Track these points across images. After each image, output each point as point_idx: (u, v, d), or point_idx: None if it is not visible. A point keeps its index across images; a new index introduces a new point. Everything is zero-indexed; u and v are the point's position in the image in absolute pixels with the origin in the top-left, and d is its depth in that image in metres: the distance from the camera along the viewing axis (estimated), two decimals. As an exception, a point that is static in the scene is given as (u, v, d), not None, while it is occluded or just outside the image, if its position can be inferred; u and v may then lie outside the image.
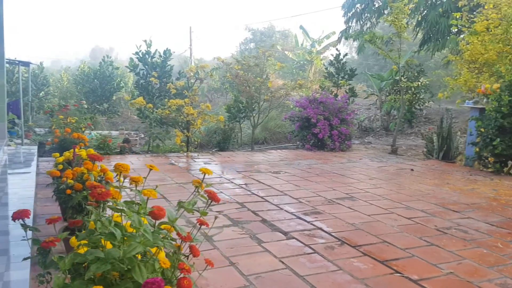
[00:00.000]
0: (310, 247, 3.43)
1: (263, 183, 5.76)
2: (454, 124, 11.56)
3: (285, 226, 3.95)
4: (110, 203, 1.70)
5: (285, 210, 4.48)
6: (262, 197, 5.00)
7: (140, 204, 1.73)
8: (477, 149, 7.17)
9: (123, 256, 1.45)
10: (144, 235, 1.50)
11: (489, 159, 7.03)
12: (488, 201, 5.14)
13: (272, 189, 5.45)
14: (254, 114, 9.97)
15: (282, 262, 3.10)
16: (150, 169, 1.91)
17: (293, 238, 3.63)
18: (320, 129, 9.25)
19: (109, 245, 1.61)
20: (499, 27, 8.10)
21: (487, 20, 8.29)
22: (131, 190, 1.81)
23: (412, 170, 7.14)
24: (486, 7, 8.48)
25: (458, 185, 6.00)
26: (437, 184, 6.03)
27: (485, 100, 7.45)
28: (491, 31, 8.29)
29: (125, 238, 1.61)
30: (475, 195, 5.44)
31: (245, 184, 5.71)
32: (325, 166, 7.32)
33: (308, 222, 4.10)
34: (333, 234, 3.77)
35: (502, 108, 6.64)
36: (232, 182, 5.79)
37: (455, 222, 4.22)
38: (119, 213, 1.65)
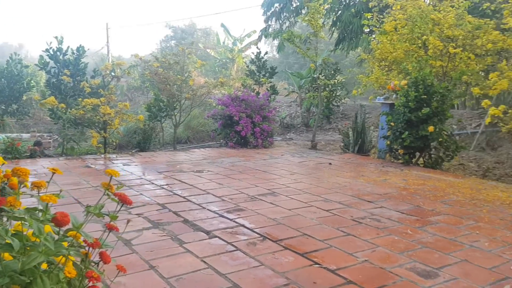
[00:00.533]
0: (233, 245, 3.43)
1: (186, 183, 5.68)
2: (368, 119, 12.22)
3: (208, 225, 3.91)
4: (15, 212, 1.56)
5: (208, 209, 4.44)
6: (184, 197, 4.92)
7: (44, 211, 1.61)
8: (388, 142, 7.63)
9: (22, 268, 1.34)
10: (45, 244, 1.39)
11: (399, 151, 7.51)
12: (398, 190, 5.48)
13: (195, 188, 5.39)
14: (175, 113, 9.80)
15: (204, 262, 3.06)
16: (54, 173, 1.78)
17: (216, 236, 3.61)
18: (242, 127, 9.31)
19: (9, 257, 1.48)
20: (406, 27, 8.67)
21: (395, 21, 8.84)
22: (32, 196, 1.67)
23: (330, 164, 7.43)
24: (393, 8, 9.04)
25: (372, 177, 6.34)
26: (353, 177, 6.33)
27: (394, 96, 7.94)
28: (398, 31, 8.86)
29: (28, 248, 1.48)
30: (387, 185, 5.78)
31: (167, 184, 5.59)
32: (248, 163, 7.37)
33: (231, 219, 4.10)
34: (255, 230, 3.80)
35: (409, 103, 7.11)
36: (153, 183, 5.64)
37: (369, 212, 4.45)
38: (20, 222, 1.52)
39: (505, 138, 10.00)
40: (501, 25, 7.20)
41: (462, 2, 8.54)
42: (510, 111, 5.96)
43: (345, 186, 5.67)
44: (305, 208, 4.55)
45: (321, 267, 3.04)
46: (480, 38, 8.02)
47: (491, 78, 6.60)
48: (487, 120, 6.53)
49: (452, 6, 8.50)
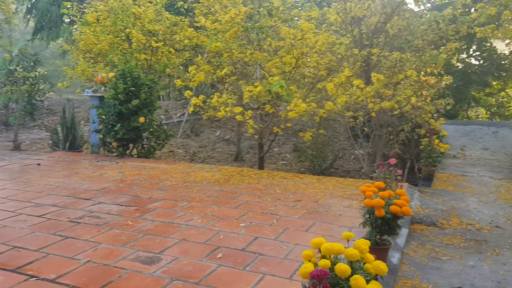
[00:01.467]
0: None
1: None
2: (78, 113, 11.69)
3: None
4: None
5: None
6: None
7: None
8: (101, 136, 7.48)
9: None
10: None
11: (113, 144, 7.46)
12: (116, 183, 5.46)
13: None
14: None
15: None
16: None
17: None
18: None
19: None
20: (108, 19, 8.58)
21: (97, 12, 8.63)
22: None
23: (39, 164, 6.75)
24: (94, -1, 8.81)
25: (87, 173, 6.09)
26: (67, 175, 5.93)
27: (103, 88, 7.81)
28: (101, 22, 8.70)
29: None
30: (104, 180, 5.67)
31: None
32: None
33: None
34: None
35: (119, 96, 7.13)
36: None
37: (88, 210, 4.27)
38: None
39: (206, 125, 11.33)
40: (195, 23, 7.99)
41: (158, -2, 9.04)
42: (208, 100, 6.73)
43: (58, 186, 5.26)
44: (13, 218, 3.99)
45: (39, 279, 2.74)
46: (178, 34, 8.72)
47: (191, 71, 7.27)
48: (190, 109, 7.19)
49: (151, 2, 8.91)
